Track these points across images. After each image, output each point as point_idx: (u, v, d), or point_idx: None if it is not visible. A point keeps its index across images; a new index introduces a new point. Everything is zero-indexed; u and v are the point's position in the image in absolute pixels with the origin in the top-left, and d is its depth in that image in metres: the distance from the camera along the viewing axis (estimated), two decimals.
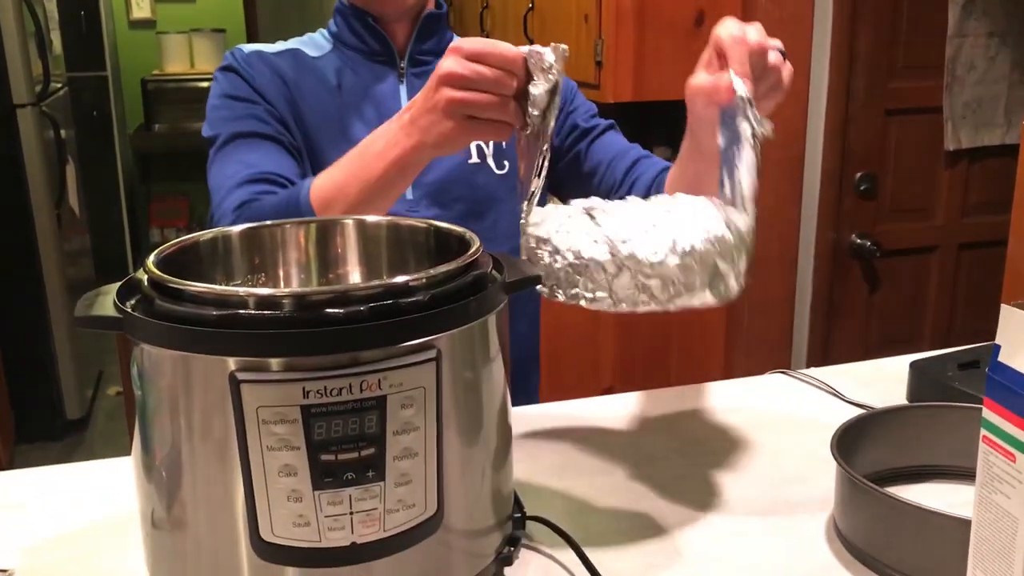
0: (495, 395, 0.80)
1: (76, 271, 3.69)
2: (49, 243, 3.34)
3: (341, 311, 0.68)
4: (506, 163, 1.30)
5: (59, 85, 3.72)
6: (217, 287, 0.72)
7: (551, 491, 1.03)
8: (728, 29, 0.95)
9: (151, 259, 0.78)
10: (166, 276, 0.73)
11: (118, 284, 0.78)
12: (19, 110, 3.20)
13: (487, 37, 3.04)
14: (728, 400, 1.29)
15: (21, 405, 3.33)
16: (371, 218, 0.95)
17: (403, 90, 1.26)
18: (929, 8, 2.34)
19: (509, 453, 0.84)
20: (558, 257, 0.86)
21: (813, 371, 1.37)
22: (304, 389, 0.66)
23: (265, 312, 0.68)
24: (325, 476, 0.68)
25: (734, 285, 0.89)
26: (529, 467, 1.08)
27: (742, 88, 0.94)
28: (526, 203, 0.91)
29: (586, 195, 1.18)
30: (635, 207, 0.92)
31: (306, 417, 0.67)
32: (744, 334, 2.44)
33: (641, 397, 1.31)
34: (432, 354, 0.70)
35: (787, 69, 1.00)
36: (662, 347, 2.44)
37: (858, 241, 2.42)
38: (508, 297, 0.81)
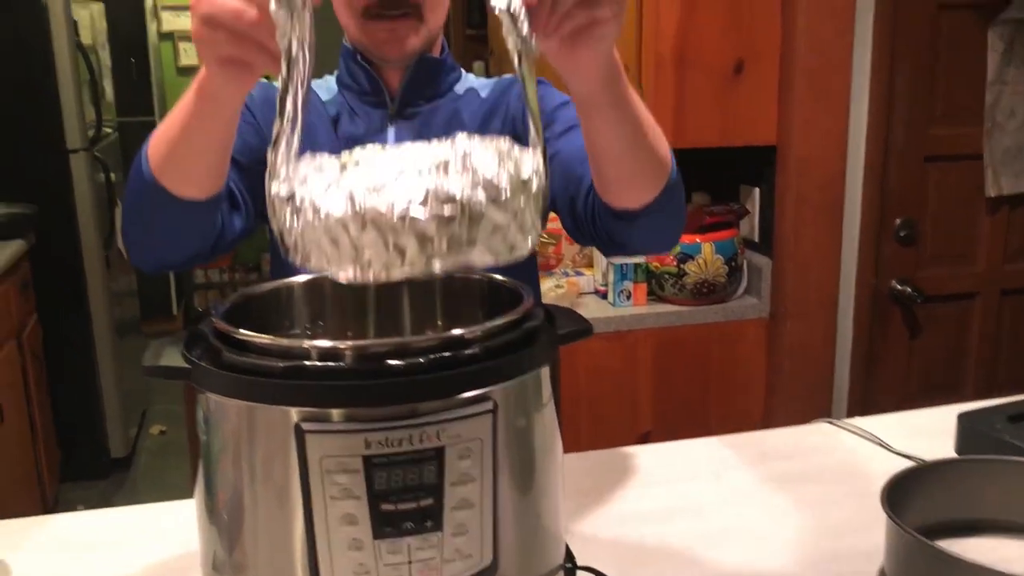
0: (547, 445, 0.82)
1: (122, 311, 3.76)
2: (98, 283, 3.41)
3: (401, 363, 0.70)
4: None
5: (110, 130, 3.83)
6: (282, 339, 0.74)
7: (601, 540, 1.04)
8: None
9: (217, 310, 0.81)
10: (232, 328, 0.76)
11: (184, 333, 0.81)
12: (72, 155, 3.29)
13: None
14: (774, 449, 1.29)
15: (67, 443, 3.39)
16: None
17: (391, 132, 1.26)
18: (968, 55, 2.35)
19: (561, 502, 0.85)
20: (298, 217, 0.73)
21: (858, 420, 1.37)
22: (366, 440, 0.68)
23: (328, 364, 0.70)
24: (385, 526, 0.69)
25: (519, 240, 0.75)
26: (578, 516, 1.09)
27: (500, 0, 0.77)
28: (270, 150, 0.76)
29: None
30: (403, 152, 0.77)
31: (368, 467, 0.69)
32: (784, 379, 2.43)
33: (686, 446, 1.31)
34: (489, 406, 0.72)
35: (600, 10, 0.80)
36: (701, 391, 2.44)
37: (898, 287, 2.41)
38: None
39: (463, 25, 4.40)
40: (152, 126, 4.12)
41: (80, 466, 3.45)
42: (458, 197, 0.70)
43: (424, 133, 1.24)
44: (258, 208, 1.19)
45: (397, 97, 1.26)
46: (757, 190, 2.47)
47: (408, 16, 1.19)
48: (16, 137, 3.22)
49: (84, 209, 3.34)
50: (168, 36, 5.60)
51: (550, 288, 2.39)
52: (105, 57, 3.93)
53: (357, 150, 0.78)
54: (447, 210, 0.69)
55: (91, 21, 3.65)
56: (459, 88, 1.31)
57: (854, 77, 2.29)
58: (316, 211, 0.71)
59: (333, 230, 0.70)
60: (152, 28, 5.29)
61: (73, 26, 3.26)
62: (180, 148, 0.93)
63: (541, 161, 0.77)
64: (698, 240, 2.34)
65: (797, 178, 2.32)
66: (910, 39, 2.29)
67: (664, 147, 1.00)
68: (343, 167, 0.75)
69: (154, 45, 5.31)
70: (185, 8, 5.55)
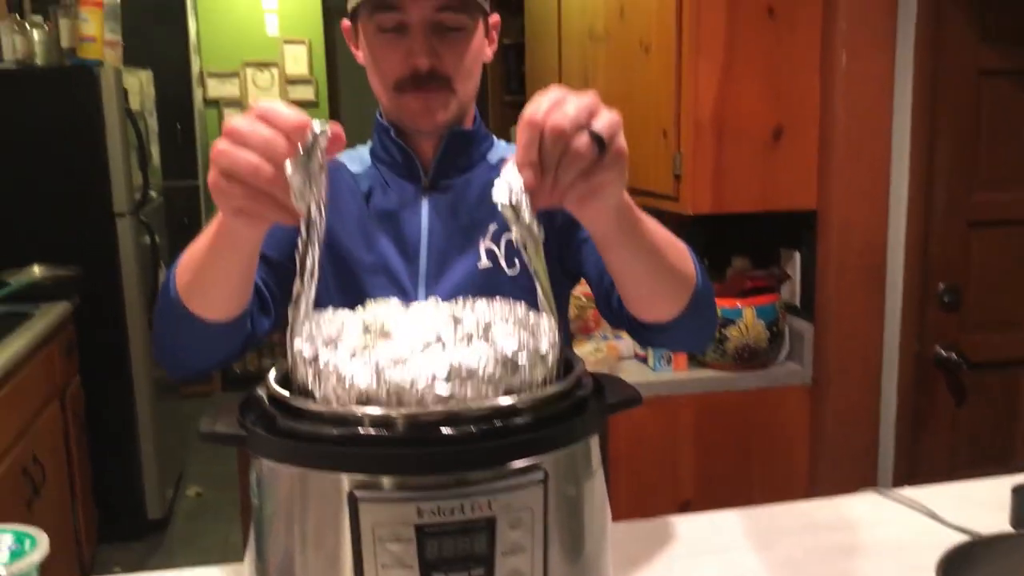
0: (597, 513, 0.81)
1: (162, 373, 3.80)
2: (139, 345, 3.46)
3: (453, 431, 0.71)
4: (516, 261, 1.25)
5: (156, 194, 3.91)
6: (336, 408, 0.75)
7: None
8: (530, 106, 0.79)
9: (272, 376, 0.82)
10: (285, 394, 0.77)
11: (238, 399, 0.81)
12: (119, 218, 3.37)
13: None
14: (821, 520, 1.26)
15: (105, 504, 3.40)
16: None
17: (425, 204, 1.27)
18: (1011, 120, 2.35)
19: (610, 572, 0.84)
20: (320, 379, 0.76)
21: (907, 491, 1.34)
22: (418, 508, 0.68)
23: (381, 431, 0.71)
24: None
25: None
26: None
27: (501, 194, 0.78)
28: (291, 308, 0.79)
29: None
30: (424, 315, 0.81)
31: (420, 536, 0.69)
32: (828, 447, 2.39)
33: (731, 515, 1.29)
34: (539, 475, 0.72)
35: (605, 154, 0.80)
36: (743, 458, 2.41)
37: (943, 353, 2.37)
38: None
39: (502, 91, 4.48)
40: (196, 191, 4.22)
41: (117, 527, 3.46)
42: (479, 374, 0.74)
43: (458, 206, 1.26)
44: (286, 301, 1.21)
45: (430, 170, 1.28)
46: (798, 254, 2.46)
47: (440, 88, 1.21)
48: (65, 201, 3.31)
49: (128, 272, 3.40)
50: (213, 103, 5.75)
51: (589, 352, 2.39)
52: (153, 123, 4.03)
53: (378, 309, 0.84)
54: (469, 387, 0.74)
55: (140, 88, 3.76)
56: (491, 157, 1.32)
57: (894, 141, 2.29)
58: (340, 379, 0.75)
59: (358, 397, 0.74)
60: (198, 95, 5.44)
61: (123, 94, 3.36)
62: (202, 277, 0.98)
63: (557, 332, 0.80)
64: (739, 305, 2.33)
65: (838, 243, 2.31)
66: (951, 104, 2.30)
67: (686, 263, 1.03)
68: (366, 329, 0.79)
69: (200, 111, 5.46)
70: (230, 75, 5.71)
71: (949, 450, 2.46)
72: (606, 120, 0.80)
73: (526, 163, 0.78)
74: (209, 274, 0.97)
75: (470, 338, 0.77)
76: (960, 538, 1.02)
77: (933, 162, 2.32)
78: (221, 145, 0.79)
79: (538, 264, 0.81)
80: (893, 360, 2.38)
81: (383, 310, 0.85)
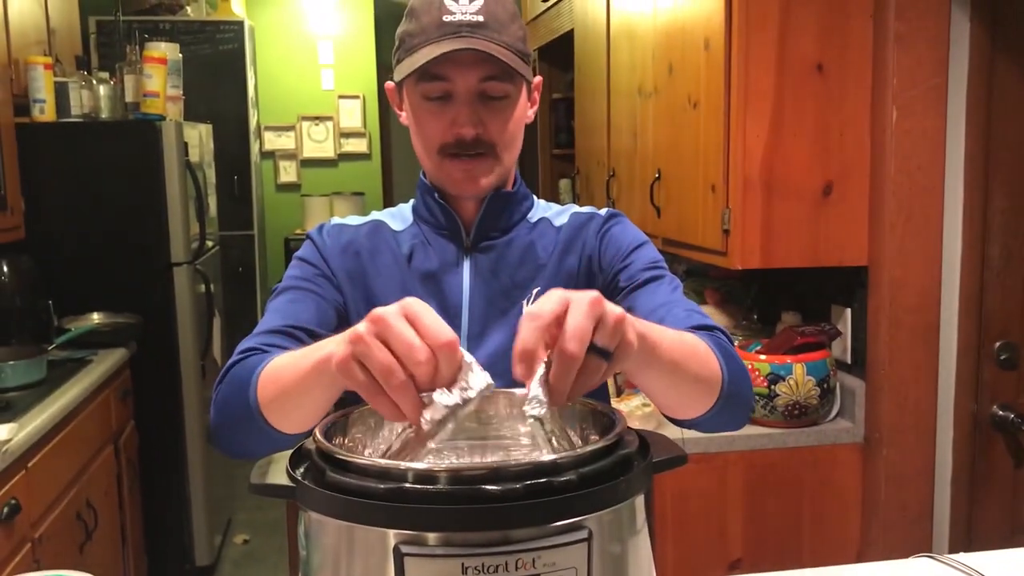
0: (642, 572, 0.81)
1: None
2: (192, 392, 3.51)
3: (498, 488, 0.71)
4: None
5: (212, 244, 4.01)
6: (380, 461, 0.76)
7: None
8: (531, 309, 0.80)
9: (319, 430, 0.83)
10: (334, 447, 0.79)
11: (288, 452, 0.83)
12: (176, 268, 3.45)
13: (612, 206, 3.14)
14: None
15: (154, 550, 3.44)
16: (520, 391, 0.98)
17: (467, 265, 1.29)
18: None
19: None
20: None
21: (963, 557, 1.31)
22: (463, 565, 0.69)
23: (428, 487, 0.72)
24: None
25: None
26: None
27: (536, 407, 0.79)
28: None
29: None
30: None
31: None
32: (881, 508, 2.34)
33: None
34: (584, 534, 0.72)
35: (611, 358, 0.80)
36: (794, 519, 2.36)
37: (1000, 413, 2.32)
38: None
39: (551, 145, 4.53)
40: (251, 240, 4.29)
41: (166, 573, 3.49)
42: None
43: (499, 267, 1.28)
44: None
45: (472, 231, 1.30)
46: (849, 311, 2.43)
47: (484, 156, 1.23)
48: (125, 249, 3.39)
49: (184, 320, 3.47)
50: (269, 155, 5.90)
51: (636, 407, 2.37)
52: (211, 174, 4.14)
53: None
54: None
55: (200, 140, 3.87)
56: (532, 217, 1.34)
57: (947, 197, 2.27)
58: None
59: None
60: (255, 147, 5.57)
61: (183, 147, 3.46)
62: (290, 398, 0.97)
63: None
64: (789, 361, 2.31)
65: (890, 299, 2.28)
66: (1005, 159, 2.27)
67: (710, 368, 1.03)
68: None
69: (256, 163, 5.59)
70: (286, 128, 5.86)
71: (1009, 515, 2.39)
72: (609, 329, 0.79)
73: (526, 354, 0.79)
74: (297, 399, 0.96)
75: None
76: None
77: (987, 217, 2.29)
78: (362, 329, 0.77)
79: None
80: (948, 420, 2.33)
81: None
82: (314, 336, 1.19)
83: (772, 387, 2.31)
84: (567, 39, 3.79)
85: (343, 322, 1.26)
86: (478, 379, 0.78)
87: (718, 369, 1.04)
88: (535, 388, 0.79)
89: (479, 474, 0.72)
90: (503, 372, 1.22)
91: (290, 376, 0.96)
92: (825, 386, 2.34)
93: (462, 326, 1.25)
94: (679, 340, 0.98)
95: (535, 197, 1.38)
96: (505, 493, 0.71)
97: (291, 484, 0.77)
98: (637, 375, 0.94)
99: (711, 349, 1.05)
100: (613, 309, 0.80)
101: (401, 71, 1.23)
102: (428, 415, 0.76)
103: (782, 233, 2.28)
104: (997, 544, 1.41)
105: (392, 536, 0.71)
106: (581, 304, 0.78)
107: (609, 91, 3.24)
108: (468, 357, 0.78)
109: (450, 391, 0.77)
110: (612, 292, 1.24)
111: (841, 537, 2.38)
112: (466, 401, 0.77)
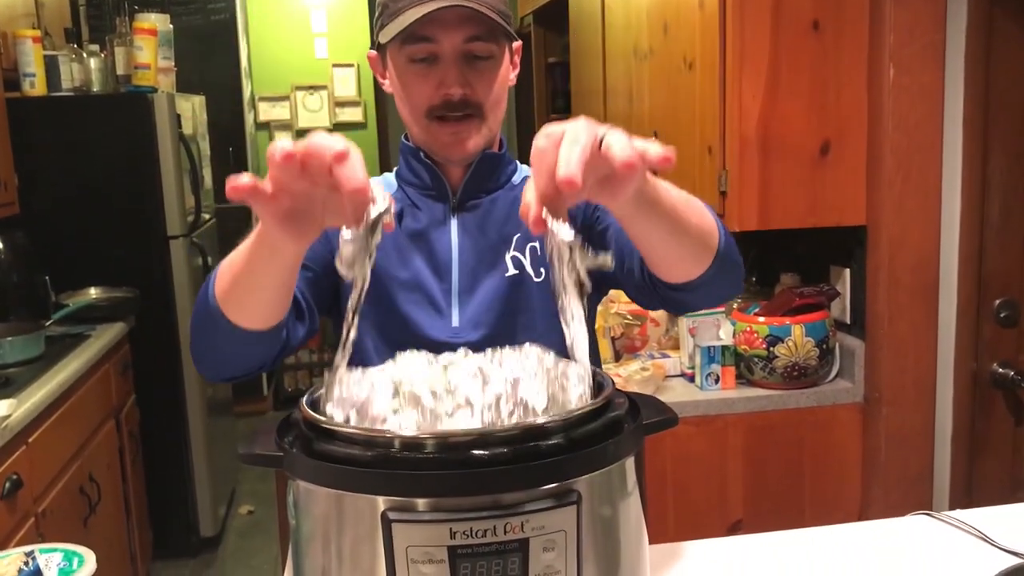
0: (633, 535, 0.81)
1: (214, 392, 3.86)
2: (192, 366, 3.50)
3: (485, 453, 0.71)
4: (542, 270, 1.28)
5: (208, 216, 3.99)
6: (367, 428, 0.75)
7: None
8: (539, 138, 0.83)
9: (305, 399, 0.82)
10: (320, 417, 0.78)
11: (278, 421, 0.82)
12: (172, 241, 3.43)
13: None
14: (871, 543, 1.24)
15: (158, 522, 3.46)
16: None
17: (454, 223, 1.30)
18: None
19: None
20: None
21: (959, 513, 1.31)
22: (451, 530, 0.68)
23: (415, 454, 0.71)
24: None
25: None
26: None
27: (566, 232, 0.79)
28: (326, 373, 0.82)
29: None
30: (451, 374, 0.83)
31: (452, 557, 0.69)
32: (881, 468, 2.34)
33: (778, 538, 1.27)
34: (573, 497, 0.72)
35: (625, 153, 0.78)
36: (794, 479, 2.37)
37: (1000, 371, 2.31)
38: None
39: (548, 110, 4.49)
40: (247, 212, 4.25)
41: (170, 545, 3.51)
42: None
43: (485, 224, 1.30)
44: (322, 310, 1.24)
45: (459, 191, 1.31)
46: (847, 271, 2.42)
47: (470, 117, 1.24)
48: (120, 224, 3.38)
49: (182, 293, 3.46)
50: (264, 126, 5.85)
51: (635, 371, 2.37)
52: (205, 147, 4.11)
53: (407, 367, 0.84)
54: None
55: (193, 113, 3.84)
56: (516, 179, 1.36)
57: (945, 155, 2.25)
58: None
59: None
60: (249, 118, 5.53)
61: (177, 119, 3.43)
62: (241, 285, 0.98)
63: (589, 377, 0.82)
64: (788, 322, 2.30)
65: (889, 259, 2.27)
66: (1004, 116, 2.25)
67: (707, 222, 1.04)
68: (395, 392, 0.80)
69: (251, 134, 5.55)
70: (281, 98, 5.81)
71: (1008, 472, 2.39)
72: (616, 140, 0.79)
73: (543, 195, 0.80)
74: (248, 283, 0.97)
75: (498, 400, 0.77)
76: (1012, 561, 0.99)
77: (986, 175, 2.27)
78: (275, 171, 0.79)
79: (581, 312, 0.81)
80: (948, 378, 2.33)
81: (411, 369, 0.85)
82: (305, 270, 1.19)
83: (771, 348, 2.30)
84: (562, 2, 3.75)
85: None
86: (377, 198, 0.80)
87: (715, 226, 1.05)
88: (555, 224, 0.79)
89: (467, 439, 0.72)
90: (496, 320, 1.24)
91: (238, 261, 0.97)
92: (824, 347, 2.33)
93: (452, 282, 1.28)
94: (679, 192, 1.00)
95: (518, 162, 1.38)
96: (493, 457, 0.70)
97: (278, 453, 0.76)
98: (639, 219, 0.94)
99: (706, 208, 1.06)
100: (611, 128, 0.82)
101: (387, 34, 1.22)
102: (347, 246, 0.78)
103: (779, 194, 2.27)
104: (998, 501, 1.41)
105: (381, 502, 0.71)
106: (597, 128, 0.80)
107: (604, 53, 3.20)
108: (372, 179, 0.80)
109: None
110: (589, 222, 1.25)
111: (842, 497, 2.38)
112: (370, 223, 0.78)
